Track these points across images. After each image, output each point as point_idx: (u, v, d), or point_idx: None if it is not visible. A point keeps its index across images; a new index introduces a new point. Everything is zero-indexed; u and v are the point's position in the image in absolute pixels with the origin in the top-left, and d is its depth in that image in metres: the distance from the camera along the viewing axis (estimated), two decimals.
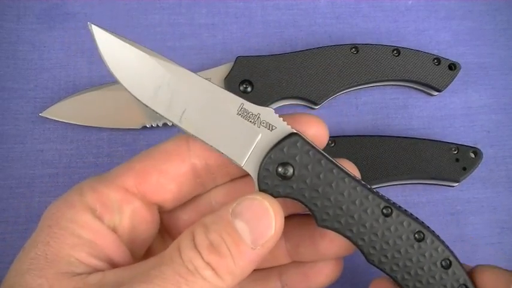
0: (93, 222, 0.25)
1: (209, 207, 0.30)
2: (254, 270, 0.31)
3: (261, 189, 0.26)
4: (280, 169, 0.25)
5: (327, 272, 0.30)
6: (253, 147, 0.26)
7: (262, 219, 0.24)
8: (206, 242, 0.23)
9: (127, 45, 0.27)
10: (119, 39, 0.27)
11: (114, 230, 0.26)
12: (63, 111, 0.40)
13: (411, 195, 0.41)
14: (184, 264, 0.23)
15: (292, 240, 0.30)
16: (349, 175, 0.26)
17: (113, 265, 0.26)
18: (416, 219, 0.26)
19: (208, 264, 0.23)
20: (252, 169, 0.26)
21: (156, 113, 0.27)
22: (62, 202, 0.26)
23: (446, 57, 0.43)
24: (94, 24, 0.27)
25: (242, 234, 0.23)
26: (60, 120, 0.40)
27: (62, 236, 0.24)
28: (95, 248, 0.25)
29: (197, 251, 0.23)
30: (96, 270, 0.24)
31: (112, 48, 0.27)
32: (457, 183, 0.40)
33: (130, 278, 0.23)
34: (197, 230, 0.24)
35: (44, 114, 0.40)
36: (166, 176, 0.27)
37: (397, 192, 0.41)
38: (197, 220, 0.27)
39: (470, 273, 0.27)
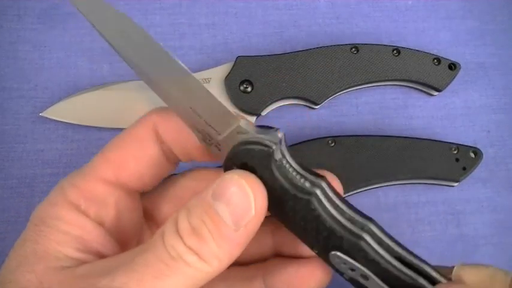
0: (78, 218, 0.25)
1: (187, 190, 0.30)
2: (239, 268, 0.30)
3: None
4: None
5: (312, 282, 0.29)
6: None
7: (241, 200, 0.23)
8: (188, 226, 0.23)
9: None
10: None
11: (101, 223, 0.26)
12: (63, 111, 0.40)
13: (411, 195, 0.41)
14: (167, 250, 0.22)
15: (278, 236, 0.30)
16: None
17: (102, 256, 0.26)
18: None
19: (190, 249, 0.22)
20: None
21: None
22: (46, 202, 0.26)
23: (446, 57, 0.43)
24: None
25: (223, 215, 0.23)
26: (61, 120, 0.40)
27: (48, 233, 0.25)
28: (82, 243, 0.25)
29: (179, 236, 0.23)
30: (84, 262, 0.25)
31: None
32: (457, 183, 0.40)
33: (116, 266, 0.23)
34: (181, 214, 0.24)
35: (44, 114, 0.40)
36: (143, 163, 0.27)
37: (397, 192, 0.41)
38: (178, 202, 0.28)
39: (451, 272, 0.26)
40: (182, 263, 0.22)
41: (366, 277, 0.25)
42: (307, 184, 0.25)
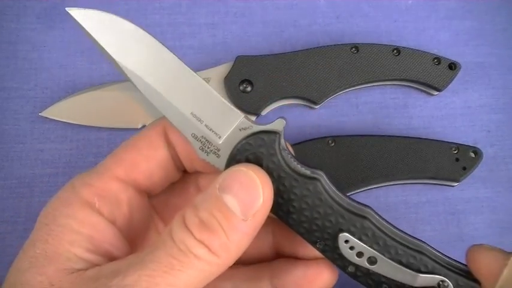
0: (92, 217, 0.26)
1: (197, 189, 0.31)
2: (245, 268, 0.30)
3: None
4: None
5: (320, 283, 0.29)
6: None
7: (250, 190, 0.24)
8: (196, 220, 0.23)
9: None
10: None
11: (113, 222, 0.27)
12: (63, 111, 0.40)
13: (411, 195, 0.41)
14: (176, 245, 0.23)
15: (278, 235, 0.31)
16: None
17: (112, 259, 0.26)
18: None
19: (200, 242, 0.23)
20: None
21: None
22: (57, 201, 0.26)
23: (446, 57, 0.43)
24: (72, 8, 0.27)
25: (231, 207, 0.23)
26: (60, 119, 0.40)
27: (60, 232, 0.25)
28: (93, 243, 0.25)
29: (188, 231, 0.23)
30: (95, 264, 0.25)
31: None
32: (457, 183, 0.40)
33: (126, 266, 0.23)
34: (187, 211, 0.24)
35: (43, 113, 0.40)
36: (154, 164, 0.28)
37: (397, 192, 0.41)
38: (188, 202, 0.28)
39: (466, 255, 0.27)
40: (192, 256, 0.22)
41: (373, 261, 0.26)
42: (308, 172, 0.26)
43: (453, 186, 0.41)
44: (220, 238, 0.23)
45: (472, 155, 0.40)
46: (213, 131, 0.26)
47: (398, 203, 0.41)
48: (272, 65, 0.41)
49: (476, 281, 0.26)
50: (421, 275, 0.25)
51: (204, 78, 0.41)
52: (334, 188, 0.26)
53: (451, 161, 0.40)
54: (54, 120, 0.41)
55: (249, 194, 0.24)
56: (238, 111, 0.27)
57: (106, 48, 0.26)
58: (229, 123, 0.26)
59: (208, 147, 0.27)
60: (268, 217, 0.31)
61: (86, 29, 0.27)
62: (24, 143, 0.41)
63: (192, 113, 0.27)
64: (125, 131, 0.41)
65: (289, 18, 0.46)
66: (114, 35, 0.26)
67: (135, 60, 0.26)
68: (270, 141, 0.25)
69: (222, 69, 0.41)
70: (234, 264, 0.29)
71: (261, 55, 0.41)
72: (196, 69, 0.43)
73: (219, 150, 0.26)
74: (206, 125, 0.26)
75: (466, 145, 0.40)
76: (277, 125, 0.26)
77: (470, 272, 0.26)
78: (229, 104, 0.27)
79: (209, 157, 0.27)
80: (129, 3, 0.46)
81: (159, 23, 0.45)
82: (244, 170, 0.24)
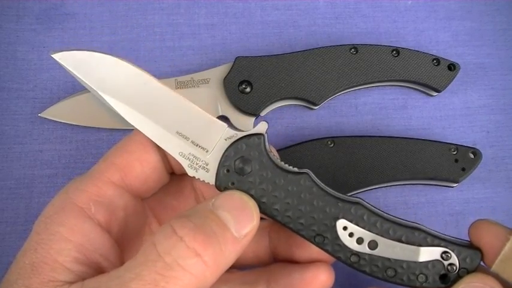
0: (84, 224, 0.25)
1: (192, 190, 0.31)
2: (242, 272, 0.30)
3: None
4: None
5: (317, 285, 0.29)
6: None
7: (244, 210, 0.25)
8: (190, 224, 0.22)
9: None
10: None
11: (108, 228, 0.26)
12: (62, 112, 0.40)
13: (410, 195, 0.41)
14: (161, 257, 0.22)
15: (275, 239, 0.31)
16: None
17: (100, 271, 0.25)
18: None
19: (192, 250, 0.22)
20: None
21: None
22: (50, 208, 0.26)
23: (446, 58, 0.43)
24: (55, 53, 0.28)
25: (226, 222, 0.23)
26: (60, 120, 0.40)
27: (49, 241, 0.24)
28: (83, 252, 0.24)
29: (178, 238, 0.22)
30: (80, 277, 0.24)
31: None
32: (456, 184, 0.40)
33: (107, 284, 0.22)
34: (176, 220, 0.23)
35: (43, 114, 0.40)
36: (148, 167, 0.28)
37: (396, 192, 0.41)
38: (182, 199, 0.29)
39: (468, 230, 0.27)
40: (179, 270, 0.21)
41: (374, 244, 0.26)
42: (295, 169, 0.27)
43: (452, 187, 0.41)
44: (214, 246, 0.22)
45: (471, 155, 0.40)
46: (199, 147, 0.27)
47: (397, 203, 0.41)
48: (271, 66, 0.41)
49: (477, 250, 0.26)
50: (423, 248, 0.26)
51: (203, 79, 0.41)
52: (321, 183, 0.27)
53: (450, 162, 0.40)
54: (53, 121, 0.41)
55: (244, 214, 0.24)
56: (222, 122, 0.27)
57: (90, 84, 0.27)
58: (215, 136, 0.27)
59: (196, 163, 0.27)
60: (265, 221, 0.31)
61: (69, 69, 0.28)
62: (23, 143, 0.41)
63: (177, 132, 0.27)
64: (124, 132, 0.41)
65: (289, 19, 0.46)
66: (94, 71, 0.27)
67: (117, 91, 0.27)
68: (256, 143, 0.26)
69: (222, 70, 0.41)
70: (231, 268, 0.29)
71: (260, 56, 0.41)
72: (196, 69, 0.43)
73: (207, 164, 0.27)
74: (192, 142, 0.27)
75: (466, 146, 0.40)
76: (260, 128, 0.27)
77: (472, 243, 0.27)
78: (212, 117, 0.27)
79: (198, 173, 0.27)
80: (128, 3, 0.46)
81: (159, 23, 0.45)
82: (237, 193, 0.25)
